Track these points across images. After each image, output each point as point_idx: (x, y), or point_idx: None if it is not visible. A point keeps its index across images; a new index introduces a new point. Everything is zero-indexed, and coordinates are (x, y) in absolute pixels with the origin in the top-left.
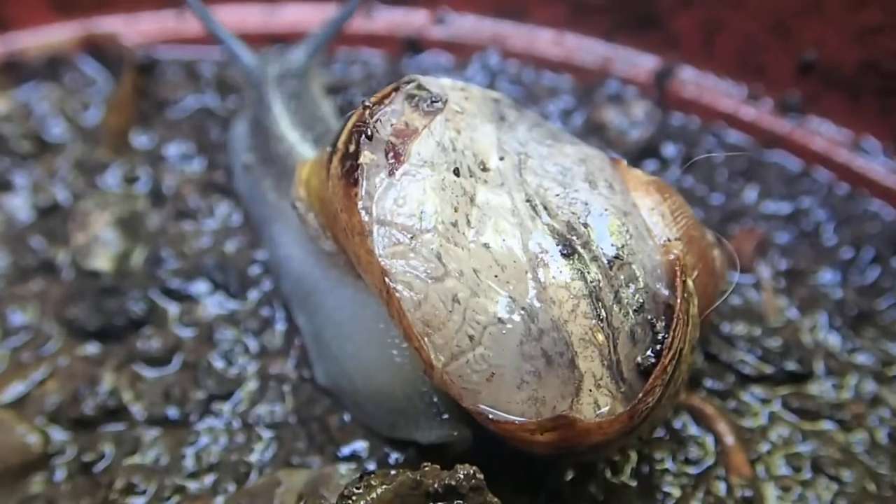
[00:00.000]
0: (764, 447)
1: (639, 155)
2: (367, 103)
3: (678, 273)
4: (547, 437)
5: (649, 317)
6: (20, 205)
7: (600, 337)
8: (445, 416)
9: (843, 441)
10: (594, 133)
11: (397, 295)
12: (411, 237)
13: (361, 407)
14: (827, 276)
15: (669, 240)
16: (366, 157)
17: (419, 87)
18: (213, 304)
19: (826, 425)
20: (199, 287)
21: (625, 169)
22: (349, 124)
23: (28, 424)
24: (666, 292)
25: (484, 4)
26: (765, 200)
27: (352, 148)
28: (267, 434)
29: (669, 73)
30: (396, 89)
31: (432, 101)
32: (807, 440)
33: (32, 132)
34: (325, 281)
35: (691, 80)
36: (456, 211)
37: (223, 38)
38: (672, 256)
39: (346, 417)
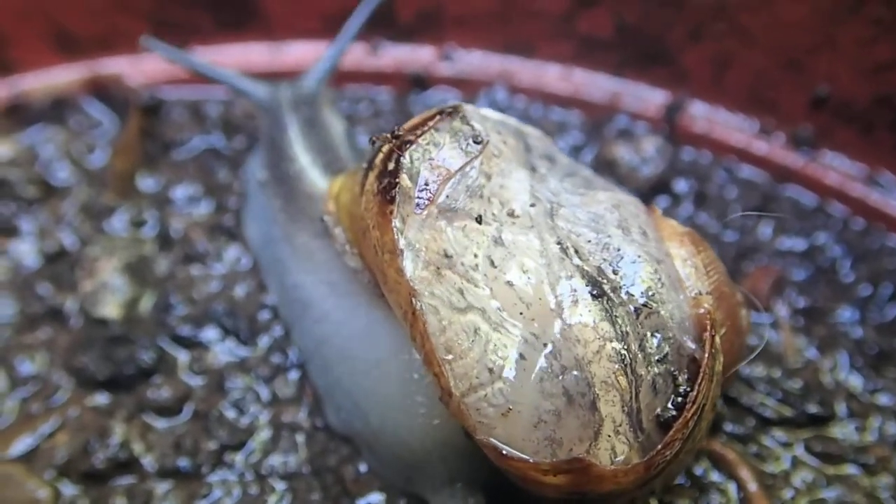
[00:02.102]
0: (787, 493)
1: (650, 191)
2: (409, 125)
3: (708, 328)
4: (559, 480)
5: (672, 368)
6: (27, 251)
7: (623, 382)
8: (459, 484)
9: (868, 485)
10: (605, 170)
11: (423, 318)
12: (437, 269)
13: (377, 453)
14: (846, 314)
15: (701, 293)
16: (403, 179)
17: (463, 119)
18: (223, 352)
19: (850, 469)
20: (209, 334)
21: (659, 217)
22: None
23: (38, 479)
24: (692, 346)
25: (491, 40)
26: (779, 236)
27: (391, 166)
28: (280, 486)
29: (679, 107)
30: (441, 115)
31: (474, 141)
32: (831, 485)
33: (38, 176)
34: (337, 311)
35: (702, 114)
36: (476, 256)
37: (228, 80)
38: (702, 310)
39: (362, 468)
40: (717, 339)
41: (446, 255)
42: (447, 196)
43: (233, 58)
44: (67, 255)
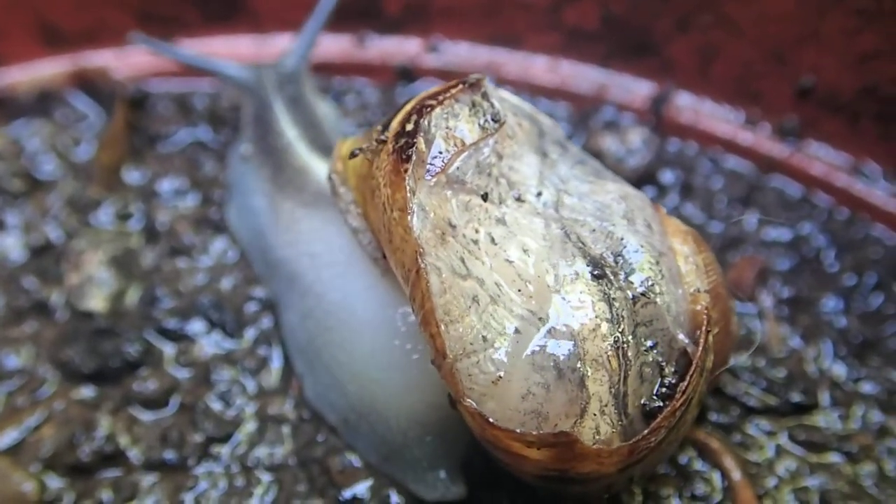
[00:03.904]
0: (771, 482)
1: (637, 182)
2: (431, 91)
3: (705, 323)
4: (542, 454)
5: (661, 359)
6: (12, 244)
7: (614, 363)
8: (442, 472)
9: (851, 474)
10: None
11: (426, 277)
12: (442, 233)
13: (353, 428)
14: (830, 304)
15: (699, 291)
16: (420, 142)
17: (484, 95)
18: (209, 344)
19: (833, 458)
20: (195, 326)
21: (664, 215)
22: (409, 106)
23: (24, 472)
24: (685, 340)
25: (477, 32)
26: (765, 227)
27: (409, 127)
28: (266, 477)
29: (666, 98)
30: (463, 86)
31: (492, 119)
32: (814, 473)
33: (23, 170)
34: (319, 283)
35: (688, 105)
36: (477, 231)
37: (209, 66)
38: (700, 307)
39: (347, 459)
40: (711, 336)
41: (450, 224)
42: (457, 168)
43: (220, 51)
44: (53, 249)
